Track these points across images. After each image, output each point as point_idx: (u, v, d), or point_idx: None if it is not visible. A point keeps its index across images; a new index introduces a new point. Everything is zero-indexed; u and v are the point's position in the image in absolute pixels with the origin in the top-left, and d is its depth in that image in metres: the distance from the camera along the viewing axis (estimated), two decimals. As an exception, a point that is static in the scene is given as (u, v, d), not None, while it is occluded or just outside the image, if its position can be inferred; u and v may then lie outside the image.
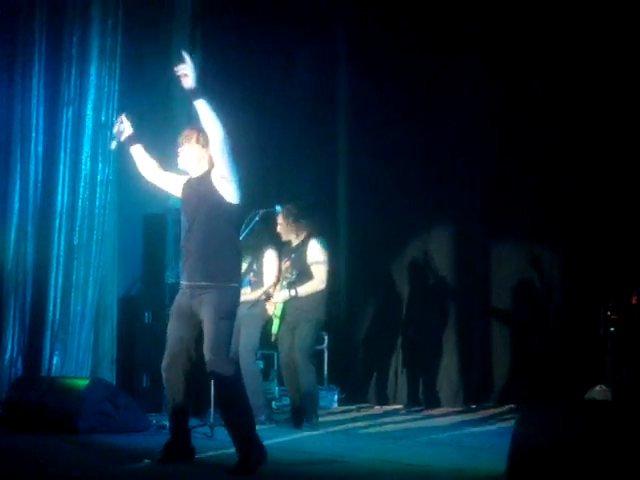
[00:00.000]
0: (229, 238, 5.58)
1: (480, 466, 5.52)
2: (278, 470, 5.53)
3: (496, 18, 9.24)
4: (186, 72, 5.37)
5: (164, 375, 5.69)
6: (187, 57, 5.39)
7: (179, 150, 5.78)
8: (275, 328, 7.78)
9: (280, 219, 7.81)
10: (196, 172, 5.74)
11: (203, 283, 5.50)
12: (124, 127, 5.96)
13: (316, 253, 7.71)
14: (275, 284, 7.92)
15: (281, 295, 7.73)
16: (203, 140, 5.65)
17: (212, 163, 5.66)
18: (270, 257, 8.04)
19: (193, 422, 7.31)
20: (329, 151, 10.25)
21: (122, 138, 6.01)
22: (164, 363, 5.67)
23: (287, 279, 7.69)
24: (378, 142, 9.84)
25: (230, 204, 5.55)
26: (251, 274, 8.01)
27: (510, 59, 9.18)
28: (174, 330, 5.65)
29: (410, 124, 9.66)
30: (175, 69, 5.43)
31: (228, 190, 5.53)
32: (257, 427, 7.40)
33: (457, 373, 9.36)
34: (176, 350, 5.62)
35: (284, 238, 7.91)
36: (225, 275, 5.51)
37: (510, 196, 9.30)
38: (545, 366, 8.83)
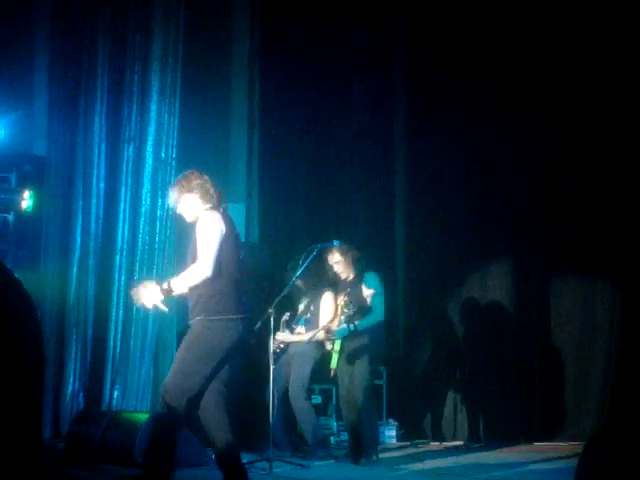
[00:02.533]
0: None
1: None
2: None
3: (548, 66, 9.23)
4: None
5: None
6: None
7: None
8: (334, 363, 7.75)
9: (338, 257, 7.78)
10: (190, 218, 5.82)
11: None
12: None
13: (374, 285, 7.68)
14: (331, 322, 7.91)
15: (340, 330, 7.70)
16: (181, 192, 5.76)
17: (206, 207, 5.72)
18: (327, 300, 8.05)
19: (251, 457, 7.34)
20: (387, 187, 10.24)
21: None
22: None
23: (345, 314, 7.66)
24: (435, 178, 9.82)
25: None
26: (308, 315, 8.03)
27: (559, 101, 9.14)
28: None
29: (467, 161, 9.63)
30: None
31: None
32: (315, 462, 7.46)
33: (517, 410, 9.23)
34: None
35: (343, 276, 7.86)
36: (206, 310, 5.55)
37: (568, 230, 9.19)
38: (609, 402, 8.66)
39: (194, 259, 5.59)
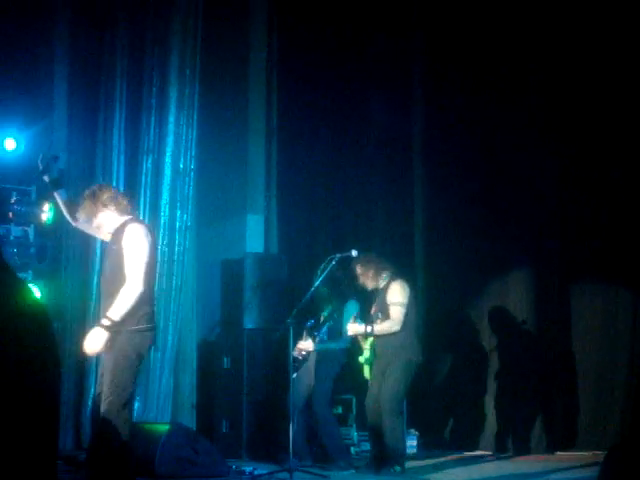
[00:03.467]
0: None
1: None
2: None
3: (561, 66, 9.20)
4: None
5: None
6: None
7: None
8: (367, 373, 7.73)
9: (359, 270, 7.76)
10: (107, 234, 5.81)
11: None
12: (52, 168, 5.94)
13: (396, 294, 7.64)
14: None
15: (355, 328, 7.67)
16: (93, 207, 5.72)
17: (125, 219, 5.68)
18: (351, 308, 8.03)
19: (272, 467, 7.34)
20: (405, 196, 10.22)
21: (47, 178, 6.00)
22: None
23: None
24: (455, 188, 9.78)
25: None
26: (331, 322, 8.01)
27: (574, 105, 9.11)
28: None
29: (486, 170, 9.60)
30: None
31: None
32: (336, 472, 7.44)
33: (539, 419, 9.17)
34: None
35: (370, 287, 7.83)
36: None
37: (590, 239, 9.13)
38: (631, 411, 8.60)
39: (115, 271, 5.55)
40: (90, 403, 7.90)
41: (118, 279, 5.52)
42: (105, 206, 5.70)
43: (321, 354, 7.98)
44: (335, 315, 8.01)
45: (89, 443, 5.61)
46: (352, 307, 8.00)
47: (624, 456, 4.16)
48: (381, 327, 7.57)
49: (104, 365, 5.59)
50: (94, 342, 5.47)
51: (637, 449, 4.16)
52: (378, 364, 7.63)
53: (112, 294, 5.52)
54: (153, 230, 5.84)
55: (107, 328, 5.42)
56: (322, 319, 8.11)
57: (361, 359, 7.75)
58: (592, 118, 9.05)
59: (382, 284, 7.75)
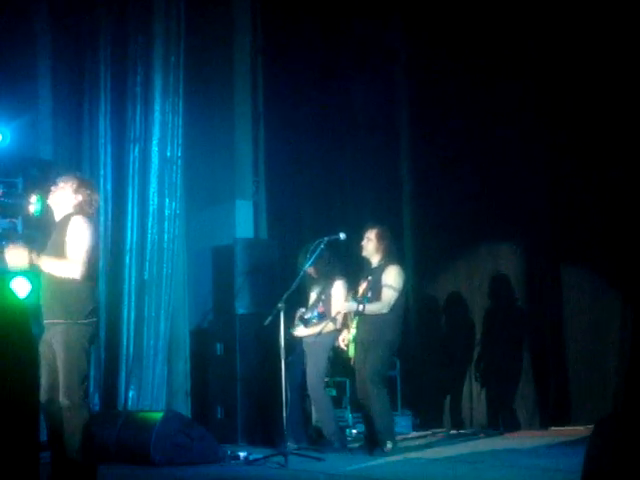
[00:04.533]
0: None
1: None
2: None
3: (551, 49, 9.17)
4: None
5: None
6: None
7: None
8: (352, 351, 7.77)
9: (373, 236, 7.73)
10: (60, 214, 5.81)
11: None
12: None
13: (392, 278, 7.66)
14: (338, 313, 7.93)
15: (347, 305, 7.71)
16: (76, 187, 5.75)
17: (77, 210, 5.72)
18: (339, 288, 8.05)
19: (267, 451, 7.37)
20: (393, 177, 10.22)
21: None
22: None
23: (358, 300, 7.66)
24: (443, 171, 9.79)
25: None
26: (320, 304, 8.01)
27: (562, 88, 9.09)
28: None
29: (476, 151, 9.59)
30: None
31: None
32: (331, 454, 7.48)
33: (533, 395, 9.20)
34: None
35: (371, 259, 7.81)
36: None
37: (580, 223, 9.12)
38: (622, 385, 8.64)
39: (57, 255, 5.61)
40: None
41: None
42: (77, 193, 5.74)
43: (313, 337, 8.00)
44: (323, 296, 8.01)
45: (48, 436, 5.67)
46: (340, 288, 8.02)
47: (611, 429, 4.19)
48: (371, 307, 7.60)
49: (52, 358, 5.58)
50: (13, 256, 5.58)
51: (624, 421, 4.20)
52: (360, 344, 7.66)
53: (55, 286, 5.58)
54: (98, 225, 5.89)
55: (30, 258, 5.53)
56: (310, 302, 8.12)
57: (349, 336, 7.79)
58: (582, 105, 8.99)
59: (380, 263, 7.76)
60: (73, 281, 5.56)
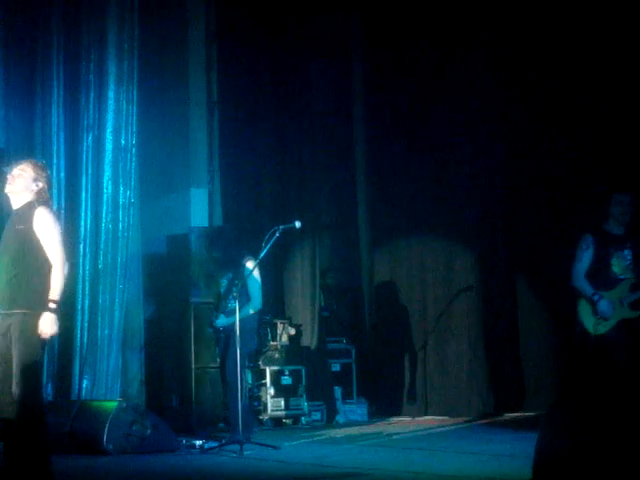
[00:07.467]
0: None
1: (510, 473, 5.48)
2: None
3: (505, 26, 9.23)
4: None
5: None
6: None
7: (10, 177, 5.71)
8: None
9: None
10: (19, 202, 5.69)
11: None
12: None
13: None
14: None
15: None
16: (35, 173, 5.65)
17: (38, 197, 5.64)
18: (252, 265, 7.75)
19: (222, 440, 7.37)
20: (348, 166, 10.27)
21: None
22: None
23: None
24: (398, 158, 9.84)
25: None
26: (234, 290, 7.72)
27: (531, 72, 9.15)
28: None
29: (431, 141, 9.64)
30: None
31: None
32: (285, 444, 7.46)
33: (486, 381, 9.31)
34: None
35: None
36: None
37: (534, 215, 9.19)
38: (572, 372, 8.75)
39: (23, 252, 5.51)
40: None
41: (27, 260, 5.50)
42: (37, 180, 5.66)
43: (232, 324, 7.71)
44: (236, 282, 7.77)
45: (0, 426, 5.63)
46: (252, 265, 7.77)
47: (561, 414, 4.26)
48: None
49: (5, 348, 5.52)
50: (51, 327, 5.46)
51: (571, 406, 4.27)
52: None
53: (16, 275, 5.50)
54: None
55: (55, 311, 5.45)
56: (223, 291, 7.82)
57: None
58: (538, 95, 9.07)
59: None
60: (36, 271, 5.48)
